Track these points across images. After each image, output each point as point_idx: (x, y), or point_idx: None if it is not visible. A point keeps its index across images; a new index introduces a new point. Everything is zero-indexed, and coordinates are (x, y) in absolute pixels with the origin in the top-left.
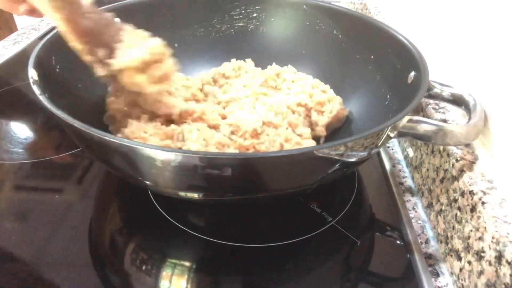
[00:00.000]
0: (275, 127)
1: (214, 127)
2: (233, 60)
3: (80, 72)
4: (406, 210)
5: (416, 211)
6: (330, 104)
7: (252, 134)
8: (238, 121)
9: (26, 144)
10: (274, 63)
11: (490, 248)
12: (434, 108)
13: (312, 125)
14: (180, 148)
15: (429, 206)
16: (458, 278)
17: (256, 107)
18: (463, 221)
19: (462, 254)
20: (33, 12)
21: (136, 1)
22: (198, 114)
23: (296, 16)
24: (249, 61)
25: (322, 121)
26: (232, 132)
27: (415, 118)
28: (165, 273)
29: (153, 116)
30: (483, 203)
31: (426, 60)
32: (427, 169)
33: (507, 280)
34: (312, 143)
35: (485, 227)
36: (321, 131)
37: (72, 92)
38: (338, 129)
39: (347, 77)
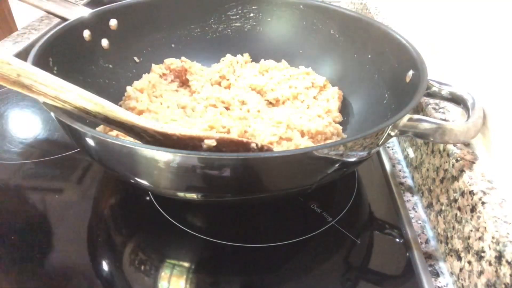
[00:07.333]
0: (289, 140)
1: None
2: (228, 55)
3: (77, 73)
4: (406, 210)
5: (416, 211)
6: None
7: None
8: (254, 131)
9: (26, 144)
10: (262, 59)
11: (490, 248)
12: (434, 108)
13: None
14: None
15: (429, 206)
16: (458, 278)
17: (267, 118)
18: (463, 221)
19: (462, 254)
20: None
21: (134, 2)
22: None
23: (293, 16)
24: (246, 56)
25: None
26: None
27: (415, 116)
28: (165, 273)
29: None
30: (483, 203)
31: (424, 59)
32: (427, 169)
33: (507, 280)
34: None
35: (485, 227)
36: (338, 116)
37: None
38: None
39: (345, 77)
